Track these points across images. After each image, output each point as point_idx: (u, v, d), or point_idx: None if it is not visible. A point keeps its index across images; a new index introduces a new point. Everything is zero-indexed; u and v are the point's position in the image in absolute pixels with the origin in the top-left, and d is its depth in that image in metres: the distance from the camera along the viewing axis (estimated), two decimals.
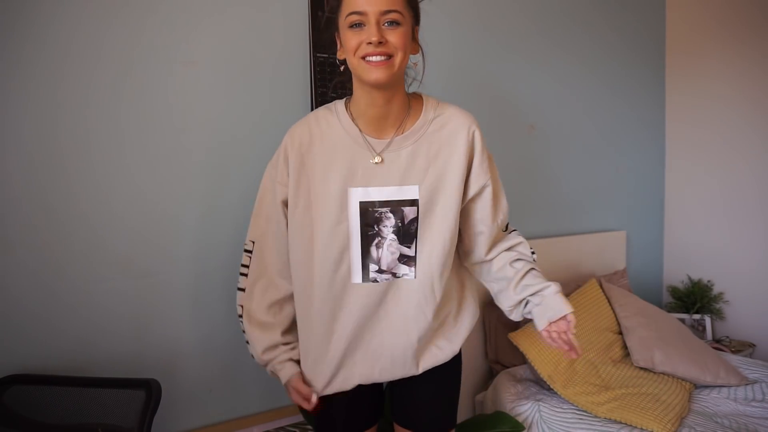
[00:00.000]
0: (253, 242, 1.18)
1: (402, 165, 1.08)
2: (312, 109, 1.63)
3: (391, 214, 1.08)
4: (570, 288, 2.11)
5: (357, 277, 1.09)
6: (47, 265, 1.29)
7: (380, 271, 1.09)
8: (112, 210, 1.37)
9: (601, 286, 2.16)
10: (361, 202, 1.07)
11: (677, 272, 2.77)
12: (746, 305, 2.52)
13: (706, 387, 1.84)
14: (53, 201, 1.29)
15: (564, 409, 1.64)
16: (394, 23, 0.99)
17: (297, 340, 1.17)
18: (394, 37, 0.99)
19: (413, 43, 1.07)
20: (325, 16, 1.66)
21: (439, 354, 1.17)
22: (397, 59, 1.00)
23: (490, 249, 1.18)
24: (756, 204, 2.48)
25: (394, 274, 1.10)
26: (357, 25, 1.00)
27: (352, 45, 1.01)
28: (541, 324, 1.11)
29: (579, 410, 1.63)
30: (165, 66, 1.42)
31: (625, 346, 1.99)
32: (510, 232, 1.22)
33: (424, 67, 1.15)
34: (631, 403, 1.61)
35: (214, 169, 1.51)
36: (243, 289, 1.18)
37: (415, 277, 1.10)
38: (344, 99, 1.14)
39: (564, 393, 1.68)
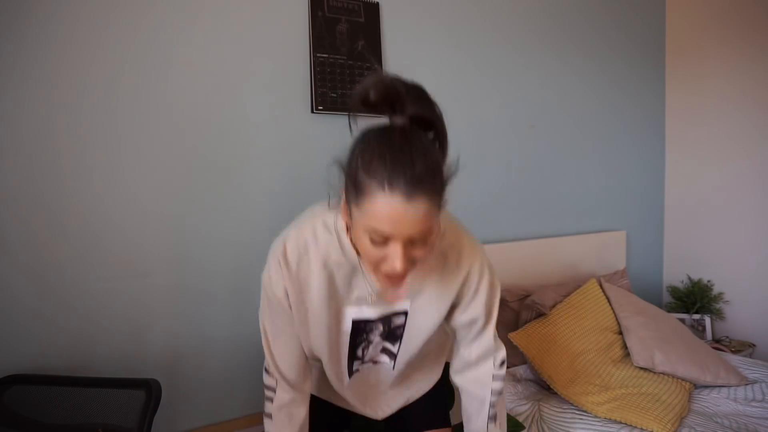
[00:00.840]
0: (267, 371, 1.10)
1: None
2: (312, 109, 1.63)
3: (380, 324, 1.06)
4: (570, 288, 2.11)
5: (345, 378, 1.12)
6: (47, 265, 1.29)
7: (362, 362, 1.12)
8: (111, 210, 1.37)
9: (601, 286, 2.16)
10: (354, 320, 1.04)
11: (677, 272, 2.77)
12: (746, 305, 2.52)
13: (706, 387, 1.84)
14: (52, 201, 1.29)
15: (564, 409, 1.64)
16: (424, 240, 0.82)
17: None
18: (419, 252, 0.82)
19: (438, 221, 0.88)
20: (326, 15, 1.66)
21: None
22: (418, 263, 0.85)
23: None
24: (756, 204, 2.48)
25: (375, 362, 1.13)
26: (381, 241, 0.81)
27: (371, 256, 0.83)
28: None
29: (579, 410, 1.63)
30: (163, 66, 1.42)
31: (625, 346, 1.99)
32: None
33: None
34: (631, 403, 1.61)
35: (213, 169, 1.51)
36: (270, 416, 1.08)
37: (393, 368, 1.13)
38: (340, 214, 0.95)
39: (564, 393, 1.68)
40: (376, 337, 1.08)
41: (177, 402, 1.45)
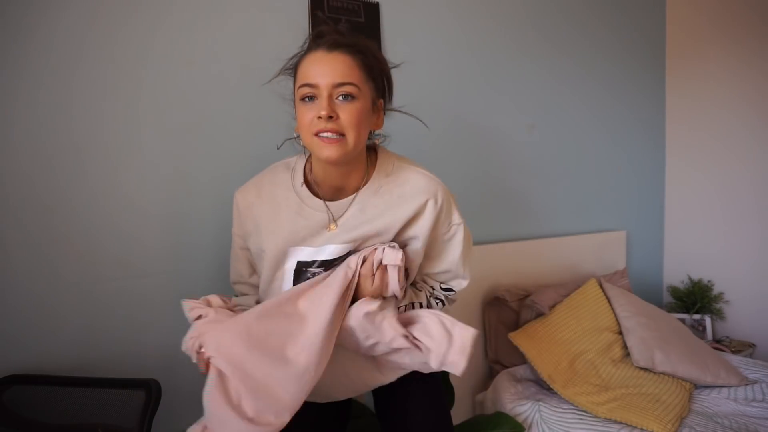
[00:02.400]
0: (234, 283, 1.23)
1: (343, 228, 1.04)
2: None
3: (321, 269, 1.06)
4: (570, 288, 2.11)
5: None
6: (47, 264, 1.29)
7: None
8: (110, 210, 1.37)
9: (601, 286, 2.16)
10: (299, 261, 1.06)
11: (677, 272, 2.77)
12: (746, 305, 2.52)
13: (707, 387, 1.84)
14: (51, 201, 1.29)
15: (564, 409, 1.64)
16: (348, 97, 0.93)
17: None
18: (346, 113, 0.93)
19: (375, 116, 1.01)
20: (326, 15, 1.66)
21: None
22: (350, 138, 0.94)
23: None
24: (755, 204, 2.48)
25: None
26: (309, 99, 0.95)
27: (304, 120, 0.95)
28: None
29: (579, 410, 1.63)
30: (163, 66, 1.42)
31: (625, 346, 1.99)
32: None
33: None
34: (631, 403, 1.61)
35: (213, 168, 1.51)
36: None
37: None
38: (308, 156, 1.09)
39: (564, 393, 1.68)
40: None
41: (177, 402, 1.45)
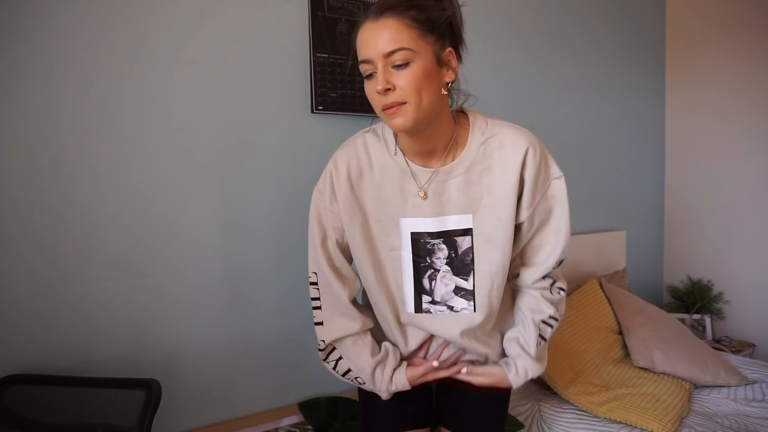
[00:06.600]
0: (316, 273, 1.11)
1: (453, 195, 1.00)
2: (312, 109, 1.63)
3: (444, 246, 1.02)
4: (570, 288, 2.11)
5: (410, 306, 1.07)
6: (47, 264, 1.29)
7: (433, 302, 1.06)
8: (112, 210, 1.37)
9: (601, 286, 2.16)
10: (412, 233, 1.02)
11: (677, 272, 2.77)
12: (746, 305, 2.52)
13: (706, 387, 1.84)
14: (53, 201, 1.29)
15: (564, 409, 1.64)
16: (402, 64, 0.87)
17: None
18: (403, 80, 0.88)
19: (443, 70, 0.93)
20: (325, 15, 1.66)
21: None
22: (413, 104, 0.88)
23: (524, 275, 1.10)
24: (756, 204, 2.48)
25: (451, 308, 1.06)
26: (369, 76, 0.90)
27: (371, 98, 0.92)
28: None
29: (579, 410, 1.63)
30: (165, 66, 1.42)
31: (625, 346, 1.99)
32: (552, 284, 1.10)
33: (458, 95, 1.03)
34: (631, 403, 1.61)
35: (214, 168, 1.51)
36: (321, 323, 1.11)
37: (475, 310, 1.06)
38: None
39: (564, 393, 1.68)
40: (442, 264, 1.04)
41: (177, 402, 1.45)
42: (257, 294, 1.58)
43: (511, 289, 1.15)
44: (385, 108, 0.90)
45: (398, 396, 1.13)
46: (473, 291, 1.04)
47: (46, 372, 1.27)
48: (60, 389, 1.20)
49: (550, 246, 1.05)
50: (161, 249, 1.43)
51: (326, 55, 1.65)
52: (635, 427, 1.53)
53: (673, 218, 2.80)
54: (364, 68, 0.90)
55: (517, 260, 1.10)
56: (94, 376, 1.27)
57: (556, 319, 1.10)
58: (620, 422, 1.55)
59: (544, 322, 1.09)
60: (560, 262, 1.07)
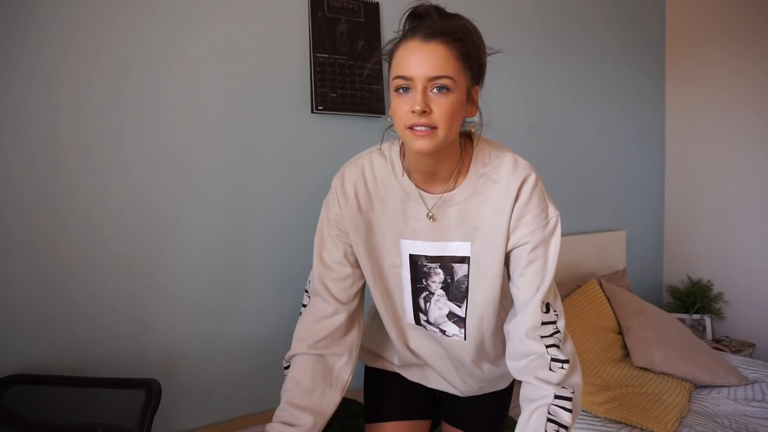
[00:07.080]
0: (310, 282, 1.13)
1: (452, 222, 1.02)
2: (312, 109, 1.63)
3: (440, 270, 1.05)
4: (570, 288, 2.11)
5: (410, 318, 1.10)
6: (48, 264, 1.29)
7: (428, 322, 1.09)
8: (112, 210, 1.37)
9: (601, 286, 2.16)
10: (411, 254, 1.05)
11: (677, 272, 2.77)
12: (746, 305, 2.52)
13: (706, 387, 1.84)
14: (54, 200, 1.29)
15: None
16: (443, 89, 0.88)
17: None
18: (440, 107, 0.89)
19: (468, 106, 0.96)
20: (326, 15, 1.66)
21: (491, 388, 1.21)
22: (441, 131, 0.90)
23: (515, 316, 1.04)
24: (756, 204, 2.48)
25: (443, 332, 1.09)
26: (404, 90, 0.90)
27: (399, 112, 0.91)
28: None
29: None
30: (164, 66, 1.42)
31: (625, 346, 1.99)
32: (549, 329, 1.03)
33: (481, 124, 1.05)
34: (631, 403, 1.61)
35: (214, 168, 1.51)
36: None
37: (465, 338, 1.07)
38: (398, 144, 1.05)
39: None
40: (437, 288, 1.06)
41: (177, 402, 1.45)
42: (258, 294, 1.58)
43: (501, 322, 1.11)
44: (413, 126, 0.90)
45: (404, 387, 1.18)
46: (465, 318, 1.06)
47: (46, 372, 1.27)
48: (60, 389, 1.20)
49: (535, 285, 1.03)
50: (162, 248, 1.43)
51: (326, 55, 1.65)
52: (635, 426, 1.53)
53: (673, 218, 2.80)
54: (398, 83, 0.90)
55: (511, 312, 1.07)
56: (95, 375, 1.27)
57: (568, 399, 1.02)
58: (620, 422, 1.55)
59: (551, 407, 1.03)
60: (548, 306, 1.03)
